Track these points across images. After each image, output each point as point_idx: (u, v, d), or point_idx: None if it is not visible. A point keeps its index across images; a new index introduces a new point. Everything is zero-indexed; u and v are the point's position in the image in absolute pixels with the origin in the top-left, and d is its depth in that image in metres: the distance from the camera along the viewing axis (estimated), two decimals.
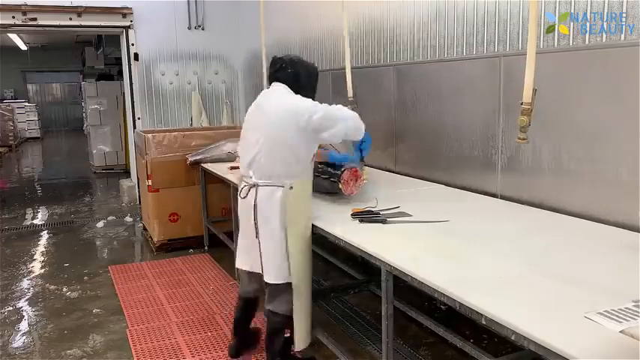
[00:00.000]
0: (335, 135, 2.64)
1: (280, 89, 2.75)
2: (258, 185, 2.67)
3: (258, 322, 3.30)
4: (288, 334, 2.84)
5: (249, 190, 2.71)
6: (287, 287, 2.68)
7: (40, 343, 3.40)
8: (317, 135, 2.61)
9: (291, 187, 2.57)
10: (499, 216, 2.70)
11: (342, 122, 2.64)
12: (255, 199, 2.67)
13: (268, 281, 2.74)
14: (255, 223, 2.69)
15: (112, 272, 4.60)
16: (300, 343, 2.70)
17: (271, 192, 2.63)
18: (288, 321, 2.77)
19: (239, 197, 2.81)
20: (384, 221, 2.52)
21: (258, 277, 2.83)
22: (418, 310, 3.19)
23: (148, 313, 3.74)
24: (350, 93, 3.76)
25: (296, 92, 2.73)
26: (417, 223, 2.50)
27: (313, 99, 2.71)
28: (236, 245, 3.02)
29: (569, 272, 1.85)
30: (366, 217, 2.60)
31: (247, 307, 3.07)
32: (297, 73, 2.75)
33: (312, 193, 2.71)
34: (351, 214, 2.64)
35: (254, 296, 3.05)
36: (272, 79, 2.80)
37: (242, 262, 2.92)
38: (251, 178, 2.71)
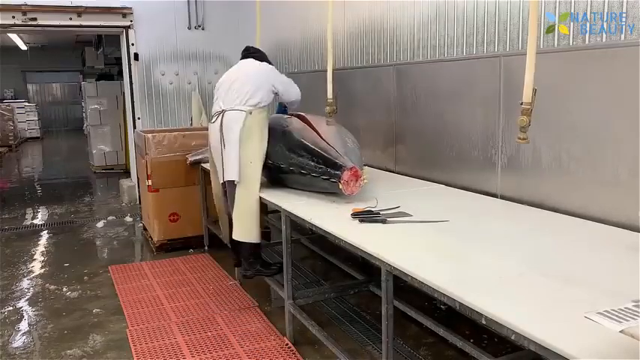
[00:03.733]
0: (289, 95, 3.79)
1: (254, 60, 3.79)
2: (225, 111, 3.55)
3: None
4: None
5: (217, 117, 3.61)
6: None
7: (40, 343, 3.40)
8: (276, 89, 3.65)
9: (251, 113, 3.49)
10: (499, 216, 2.70)
11: (294, 91, 3.82)
12: (222, 121, 3.54)
13: (227, 178, 3.60)
14: (222, 138, 3.54)
15: (112, 272, 4.60)
16: (236, 234, 3.54)
17: (235, 115, 3.51)
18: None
19: (209, 126, 3.76)
20: (384, 221, 2.53)
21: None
22: (418, 310, 3.19)
23: (148, 313, 3.74)
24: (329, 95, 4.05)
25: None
26: (417, 223, 2.50)
27: None
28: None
29: (569, 272, 1.85)
30: (366, 217, 2.60)
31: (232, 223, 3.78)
32: (262, 56, 3.88)
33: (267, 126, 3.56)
34: (351, 214, 2.65)
35: None
36: (246, 56, 3.84)
37: (222, 177, 3.67)
38: (220, 107, 3.61)
